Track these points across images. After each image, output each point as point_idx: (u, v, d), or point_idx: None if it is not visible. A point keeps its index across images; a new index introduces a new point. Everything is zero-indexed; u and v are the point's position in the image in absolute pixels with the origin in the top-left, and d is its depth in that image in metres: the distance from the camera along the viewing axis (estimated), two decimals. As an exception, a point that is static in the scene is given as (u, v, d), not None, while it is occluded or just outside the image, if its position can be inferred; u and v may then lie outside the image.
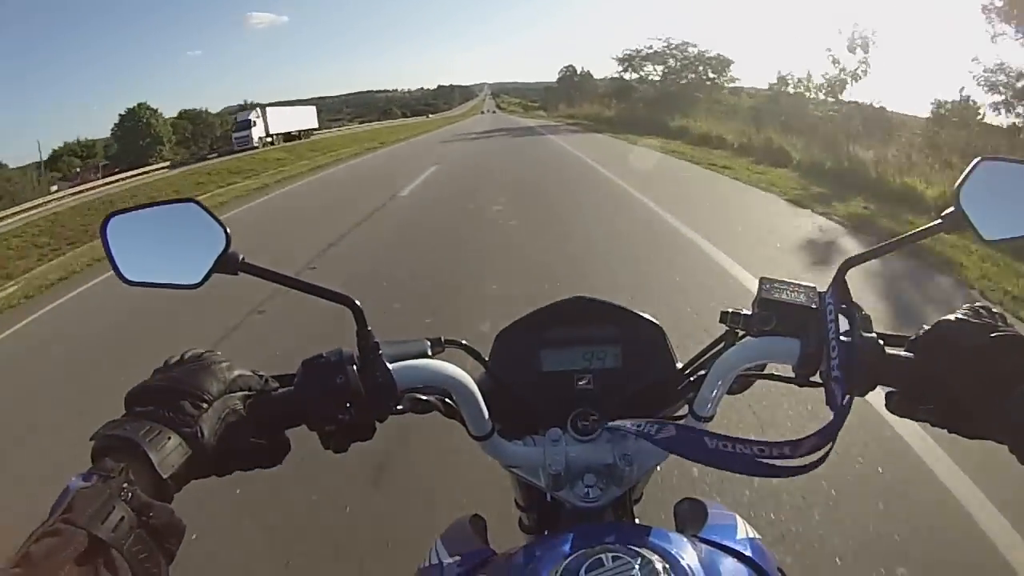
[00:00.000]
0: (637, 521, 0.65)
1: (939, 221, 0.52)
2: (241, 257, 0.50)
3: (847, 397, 0.47)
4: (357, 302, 0.51)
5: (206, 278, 0.50)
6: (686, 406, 0.60)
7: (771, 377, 0.60)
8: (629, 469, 0.58)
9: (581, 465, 0.59)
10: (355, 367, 0.49)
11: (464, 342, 0.61)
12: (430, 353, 0.56)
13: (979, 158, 0.54)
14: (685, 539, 0.49)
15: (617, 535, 0.47)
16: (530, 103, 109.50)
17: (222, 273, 0.50)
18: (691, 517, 0.62)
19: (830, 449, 0.47)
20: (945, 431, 0.49)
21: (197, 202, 0.52)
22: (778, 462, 0.47)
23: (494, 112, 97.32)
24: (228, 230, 0.50)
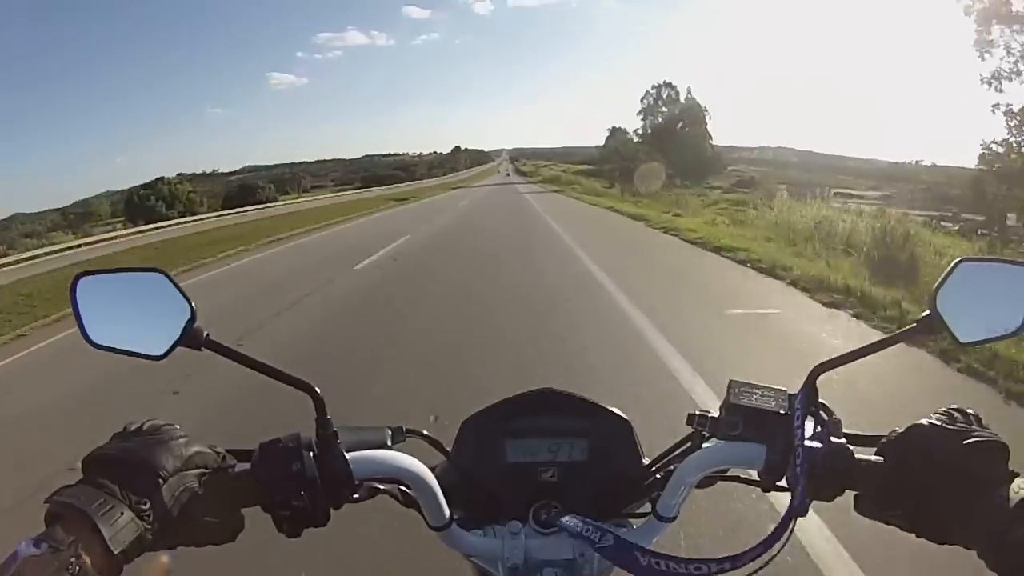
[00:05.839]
0: None
1: (915, 325, 0.52)
2: (206, 333, 0.50)
3: (800, 504, 0.47)
4: (317, 390, 0.50)
5: (170, 350, 0.51)
6: (650, 504, 0.58)
7: (738, 479, 0.58)
8: (589, 566, 0.56)
9: (540, 559, 0.57)
10: (312, 454, 0.48)
11: (426, 432, 0.60)
12: (390, 443, 0.56)
13: (959, 259, 0.53)
14: None
15: None
16: (577, 168, 67.50)
17: (186, 347, 0.50)
18: None
19: (775, 554, 0.47)
20: (913, 536, 0.48)
21: (164, 273, 0.52)
22: None
23: (507, 176, 74.25)
24: (193, 305, 0.50)
